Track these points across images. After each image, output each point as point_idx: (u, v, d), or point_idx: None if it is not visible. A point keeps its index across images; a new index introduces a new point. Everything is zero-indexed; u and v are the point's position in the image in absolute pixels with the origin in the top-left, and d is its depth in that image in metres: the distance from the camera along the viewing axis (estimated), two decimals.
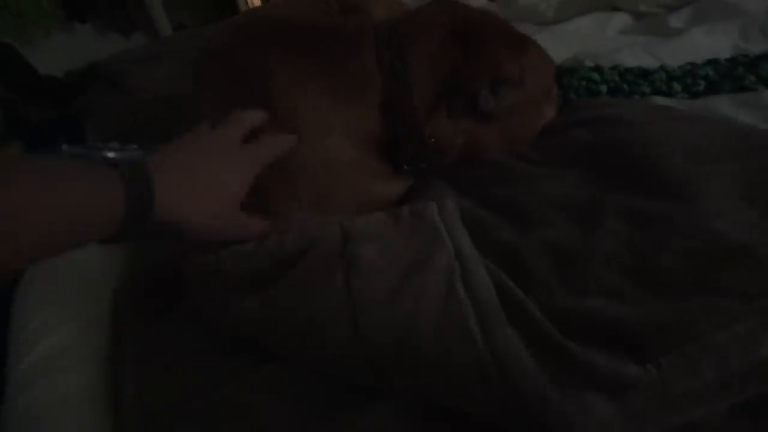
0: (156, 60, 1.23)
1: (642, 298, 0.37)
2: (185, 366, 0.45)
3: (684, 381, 0.31)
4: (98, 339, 0.52)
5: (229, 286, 0.44)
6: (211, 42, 0.64)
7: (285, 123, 0.53)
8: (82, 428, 0.45)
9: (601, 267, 0.41)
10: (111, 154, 0.41)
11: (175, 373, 0.45)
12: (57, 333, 0.52)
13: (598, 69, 0.73)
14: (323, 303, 0.41)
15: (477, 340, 0.34)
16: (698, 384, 0.32)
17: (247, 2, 2.03)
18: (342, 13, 0.65)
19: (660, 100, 0.67)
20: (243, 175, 0.48)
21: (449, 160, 0.60)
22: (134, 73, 1.19)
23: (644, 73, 0.72)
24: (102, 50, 1.34)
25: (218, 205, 0.46)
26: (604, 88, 0.70)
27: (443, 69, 0.56)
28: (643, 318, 0.35)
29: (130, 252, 0.61)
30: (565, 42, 0.89)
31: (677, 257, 0.40)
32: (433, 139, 0.57)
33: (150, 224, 0.41)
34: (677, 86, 0.68)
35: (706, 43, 0.79)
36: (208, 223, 0.45)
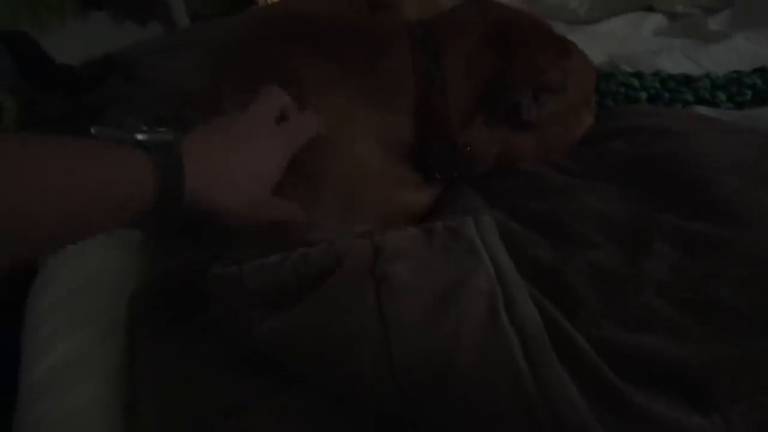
0: (172, 51, 1.21)
1: (700, 335, 0.34)
2: (201, 385, 0.43)
3: None
4: (111, 349, 0.50)
5: (252, 302, 0.42)
6: (231, 35, 0.62)
7: None
8: None
9: (653, 297, 0.38)
10: (141, 137, 0.39)
11: (190, 391, 0.43)
12: (68, 341, 0.50)
13: (637, 75, 0.70)
14: (353, 323, 0.38)
15: (523, 375, 0.32)
16: None
17: None
18: (370, 10, 0.62)
19: (702, 110, 0.64)
20: (279, 158, 0.46)
21: (482, 169, 0.57)
22: (150, 65, 1.16)
23: (687, 81, 0.68)
24: (118, 38, 1.32)
25: (251, 191, 0.44)
26: (643, 95, 0.66)
27: (481, 73, 0.53)
28: (704, 359, 0.32)
29: (146, 258, 0.59)
30: (598, 43, 0.85)
31: (737, 289, 0.37)
32: (468, 148, 0.54)
33: (179, 210, 0.39)
34: (722, 95, 0.65)
35: (750, 48, 0.76)
36: (239, 209, 0.43)
